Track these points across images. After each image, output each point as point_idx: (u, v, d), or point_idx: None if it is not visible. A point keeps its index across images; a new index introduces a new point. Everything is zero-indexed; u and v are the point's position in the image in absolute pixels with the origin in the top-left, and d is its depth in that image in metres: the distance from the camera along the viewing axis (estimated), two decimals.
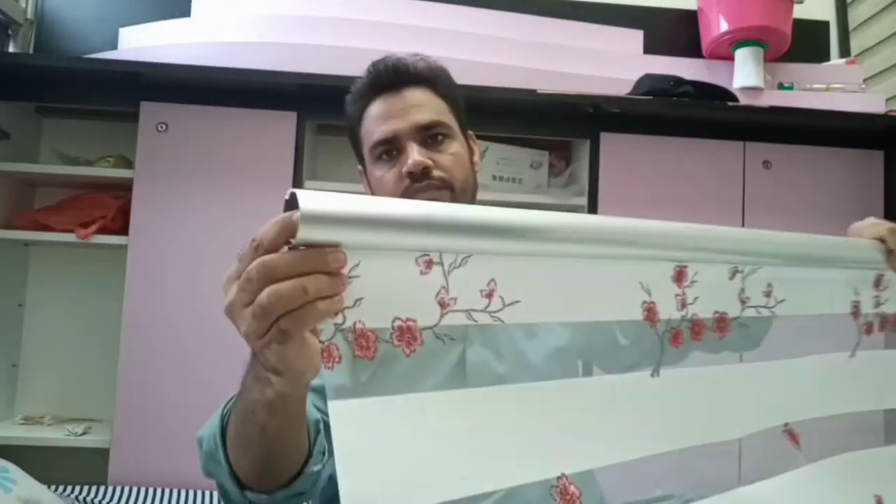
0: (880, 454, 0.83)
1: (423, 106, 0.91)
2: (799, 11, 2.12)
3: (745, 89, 2.02)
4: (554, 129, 1.94)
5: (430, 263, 0.48)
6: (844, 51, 2.40)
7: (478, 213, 0.50)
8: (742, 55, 2.07)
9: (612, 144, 1.89)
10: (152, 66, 1.75)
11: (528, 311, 0.52)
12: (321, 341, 0.45)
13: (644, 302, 0.60)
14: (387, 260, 0.47)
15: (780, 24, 2.07)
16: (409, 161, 0.86)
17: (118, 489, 1.65)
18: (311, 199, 0.43)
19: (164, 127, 1.80)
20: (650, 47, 2.16)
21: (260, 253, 0.48)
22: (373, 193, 0.93)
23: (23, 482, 1.44)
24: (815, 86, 2.10)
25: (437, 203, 0.53)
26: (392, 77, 0.91)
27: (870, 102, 2.04)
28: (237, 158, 1.78)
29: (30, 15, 2.09)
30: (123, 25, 2.01)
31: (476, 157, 0.98)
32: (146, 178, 1.78)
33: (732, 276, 0.67)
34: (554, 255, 0.54)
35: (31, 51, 2.08)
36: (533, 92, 1.79)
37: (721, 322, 0.66)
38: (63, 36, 2.11)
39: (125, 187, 1.80)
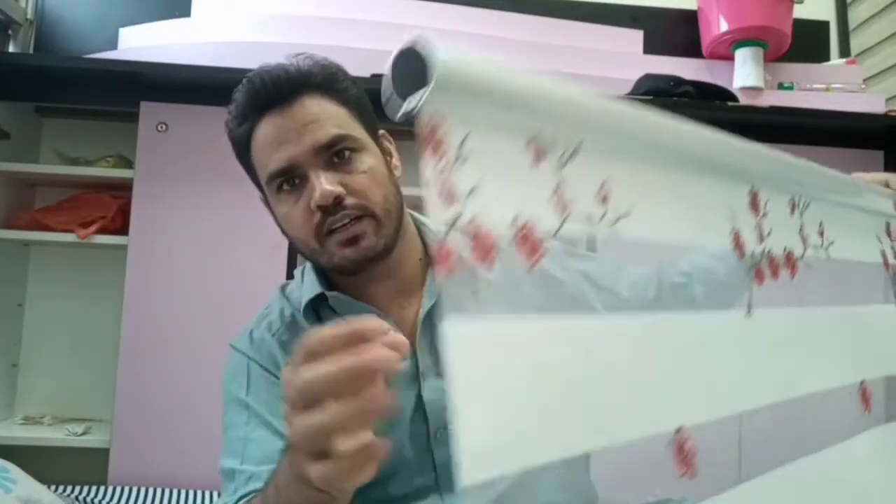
0: None
1: (319, 121, 0.76)
2: (799, 11, 2.12)
3: (745, 89, 2.02)
4: None
5: (540, 154, 0.40)
6: (844, 51, 2.40)
7: (591, 95, 0.42)
8: (742, 55, 2.07)
9: None
10: (152, 66, 1.74)
11: (637, 226, 0.45)
12: (437, 243, 0.37)
13: (732, 229, 0.53)
14: (496, 140, 0.38)
15: (780, 24, 2.07)
16: (316, 194, 0.73)
17: (118, 489, 1.65)
18: (448, 58, 0.35)
19: (164, 127, 1.79)
20: (650, 47, 2.16)
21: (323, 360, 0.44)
22: (281, 228, 0.83)
23: (23, 482, 1.44)
24: (815, 86, 2.10)
25: (549, 78, 0.43)
26: (274, 91, 0.76)
27: (870, 102, 2.04)
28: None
29: (30, 15, 2.09)
30: (123, 25, 2.00)
31: (394, 160, 0.85)
32: (146, 178, 1.78)
33: (792, 211, 0.61)
34: (660, 161, 0.47)
35: (31, 51, 2.08)
36: None
37: (790, 261, 0.60)
38: (63, 36, 2.11)
39: (125, 187, 1.80)
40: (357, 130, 0.79)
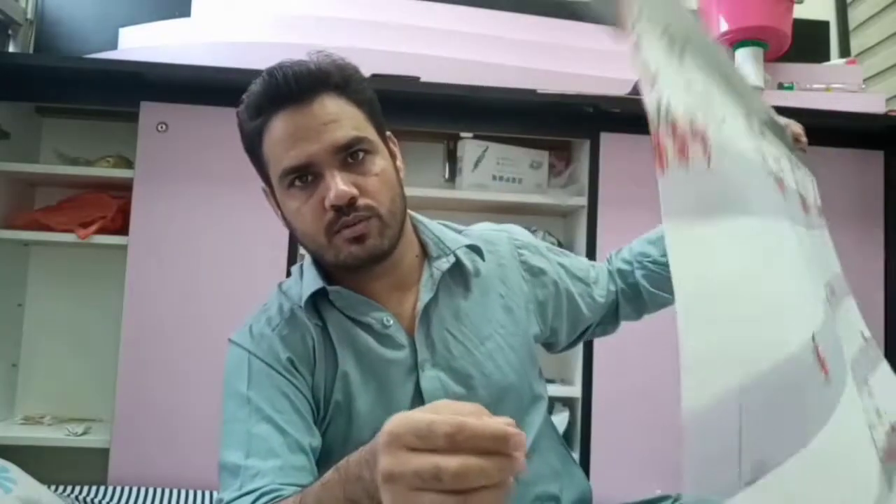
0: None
1: (338, 121, 0.77)
2: (799, 11, 2.12)
3: None
4: (554, 129, 1.94)
5: (672, 45, 0.41)
6: (844, 51, 2.40)
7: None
8: (742, 55, 2.06)
9: (612, 144, 1.89)
10: (152, 66, 1.74)
11: (731, 131, 0.47)
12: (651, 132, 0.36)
13: (770, 172, 0.58)
14: (650, 29, 0.39)
15: (780, 24, 2.07)
16: (332, 193, 0.75)
17: (118, 489, 1.65)
18: None
19: (164, 127, 1.79)
20: None
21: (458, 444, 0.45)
22: (285, 221, 0.85)
23: (23, 482, 1.44)
24: (815, 86, 2.10)
25: None
26: (295, 87, 0.77)
27: (870, 102, 2.04)
28: (237, 158, 1.75)
29: (30, 15, 2.09)
30: (123, 25, 2.01)
31: (398, 162, 0.87)
32: (146, 178, 1.78)
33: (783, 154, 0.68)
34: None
35: (31, 51, 2.08)
36: (533, 92, 1.79)
37: (803, 198, 0.65)
38: (63, 36, 2.11)
39: (125, 187, 1.80)
40: (370, 132, 0.81)
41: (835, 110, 1.94)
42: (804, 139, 0.88)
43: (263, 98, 0.79)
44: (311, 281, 0.84)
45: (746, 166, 0.50)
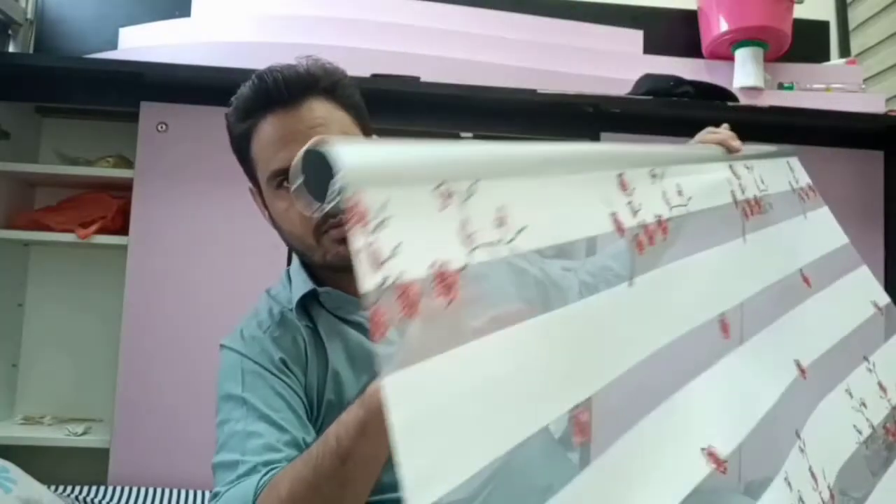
0: (791, 319, 0.89)
1: (326, 124, 0.79)
2: (799, 11, 2.12)
3: (745, 89, 2.02)
4: (554, 129, 1.94)
5: (446, 197, 0.44)
6: (844, 51, 2.40)
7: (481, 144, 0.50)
8: (742, 55, 2.07)
9: None
10: (152, 66, 1.74)
11: (534, 238, 0.50)
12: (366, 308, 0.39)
13: (610, 213, 0.60)
14: (411, 194, 0.42)
15: (780, 24, 2.07)
16: None
17: (118, 489, 1.65)
18: (350, 157, 0.39)
19: (164, 127, 1.79)
20: (650, 47, 2.16)
21: None
22: (272, 221, 0.87)
23: (23, 482, 1.44)
24: (815, 86, 2.10)
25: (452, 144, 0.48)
26: (284, 91, 0.79)
27: (870, 102, 2.04)
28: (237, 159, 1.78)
29: (30, 15, 2.09)
30: (123, 25, 2.01)
31: None
32: (146, 178, 1.78)
33: (653, 181, 0.69)
34: (542, 176, 0.54)
35: (31, 51, 2.09)
36: (533, 92, 1.79)
37: (660, 225, 0.67)
38: (63, 36, 2.11)
39: (125, 187, 1.80)
40: (358, 136, 0.83)
41: (835, 110, 1.94)
42: (734, 143, 0.89)
43: (253, 101, 0.81)
44: (300, 284, 0.85)
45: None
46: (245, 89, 0.82)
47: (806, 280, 0.97)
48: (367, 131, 0.86)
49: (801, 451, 0.77)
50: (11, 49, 2.05)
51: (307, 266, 0.87)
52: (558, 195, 0.56)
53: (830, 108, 1.94)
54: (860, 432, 0.89)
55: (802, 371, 0.84)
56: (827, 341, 0.95)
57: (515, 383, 0.47)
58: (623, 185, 0.63)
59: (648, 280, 0.66)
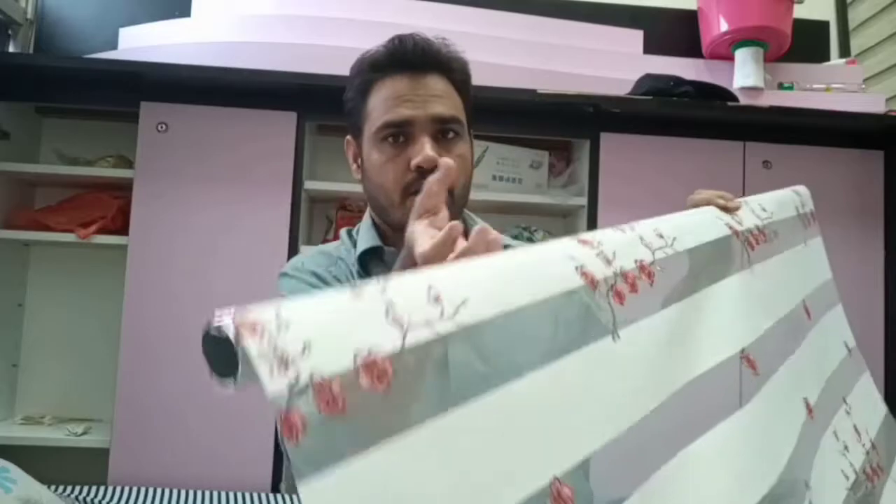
0: (801, 353, 0.87)
1: (444, 98, 0.87)
2: (799, 11, 2.12)
3: (745, 89, 2.02)
4: (554, 129, 1.94)
5: (358, 295, 0.42)
6: (844, 51, 2.40)
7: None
8: (742, 55, 2.07)
9: (612, 144, 1.89)
10: (152, 66, 1.75)
11: (479, 309, 0.46)
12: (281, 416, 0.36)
13: (577, 267, 0.55)
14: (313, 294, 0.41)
15: (780, 24, 2.07)
16: (421, 156, 0.82)
17: (118, 489, 1.65)
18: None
19: (164, 127, 1.80)
20: (650, 47, 2.16)
21: None
22: (362, 171, 0.91)
23: (23, 482, 1.44)
24: (815, 86, 2.10)
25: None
26: (418, 57, 0.87)
27: (870, 102, 2.04)
28: (237, 158, 1.78)
29: (30, 15, 2.09)
30: (123, 25, 2.01)
31: (474, 159, 0.96)
32: (146, 178, 1.78)
33: (623, 231, 0.65)
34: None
35: (31, 51, 2.09)
36: (533, 92, 1.79)
37: (643, 270, 0.62)
38: (63, 36, 2.11)
39: (125, 187, 1.80)
40: (465, 120, 0.91)
41: (835, 110, 1.93)
42: (732, 204, 0.86)
43: (388, 58, 0.87)
44: (369, 240, 0.91)
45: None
46: (380, 47, 0.88)
47: (807, 312, 0.94)
48: (470, 121, 0.92)
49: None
50: (11, 49, 2.06)
51: (377, 227, 0.93)
52: (499, 266, 0.51)
53: (830, 108, 1.94)
54: (847, 477, 0.86)
55: (810, 410, 0.82)
56: (823, 378, 0.92)
57: (467, 478, 0.42)
58: (584, 242, 0.59)
59: (639, 330, 0.59)
